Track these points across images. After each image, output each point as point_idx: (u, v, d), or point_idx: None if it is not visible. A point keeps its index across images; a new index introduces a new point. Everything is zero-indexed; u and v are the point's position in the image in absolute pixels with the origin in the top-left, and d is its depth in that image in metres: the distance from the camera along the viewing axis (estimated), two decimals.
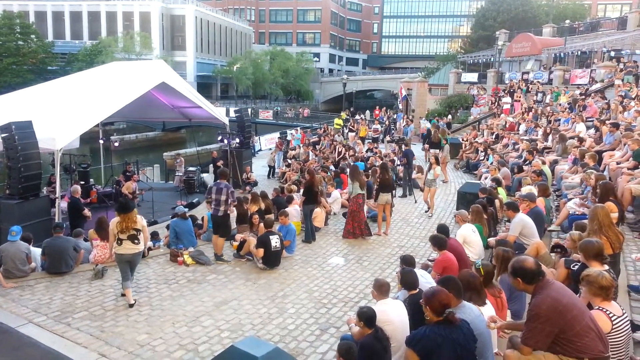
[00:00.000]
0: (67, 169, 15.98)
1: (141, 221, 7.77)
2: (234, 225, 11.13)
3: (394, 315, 5.32)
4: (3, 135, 9.77)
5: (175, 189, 19.10)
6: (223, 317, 7.28)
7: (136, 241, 7.60)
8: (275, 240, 9.31)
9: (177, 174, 20.25)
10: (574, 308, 3.99)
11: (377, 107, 37.03)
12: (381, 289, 5.56)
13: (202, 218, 11.68)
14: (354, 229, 11.44)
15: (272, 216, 11.69)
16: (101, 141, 18.82)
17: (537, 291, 4.14)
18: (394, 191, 12.59)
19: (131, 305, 7.59)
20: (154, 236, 11.11)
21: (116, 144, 20.69)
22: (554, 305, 3.96)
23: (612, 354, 4.38)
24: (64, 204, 12.13)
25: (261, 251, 9.29)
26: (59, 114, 11.49)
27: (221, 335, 6.72)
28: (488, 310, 5.09)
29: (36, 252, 9.10)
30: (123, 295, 7.84)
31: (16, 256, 8.41)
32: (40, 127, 10.20)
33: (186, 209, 11.49)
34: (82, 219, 11.99)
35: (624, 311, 4.62)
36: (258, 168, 22.02)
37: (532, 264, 4.23)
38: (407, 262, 6.48)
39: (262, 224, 9.84)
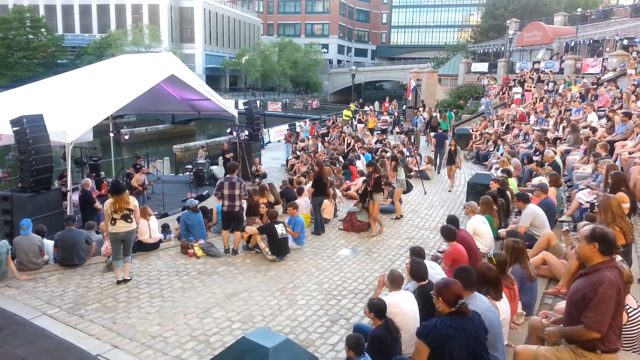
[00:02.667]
0: (78, 162, 16.09)
1: (133, 202, 8.23)
2: (243, 217, 11.19)
3: (405, 307, 5.33)
4: (15, 128, 9.84)
5: (185, 182, 19.14)
6: (234, 309, 7.33)
7: (129, 220, 8.13)
8: (280, 228, 9.38)
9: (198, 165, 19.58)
10: (622, 301, 3.89)
11: (387, 99, 36.32)
12: (394, 282, 5.56)
13: (212, 210, 11.72)
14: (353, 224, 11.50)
15: (280, 207, 11.73)
16: (111, 134, 18.91)
17: (601, 268, 3.89)
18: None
19: (119, 282, 8.13)
20: (165, 228, 11.17)
21: (126, 137, 20.76)
22: (617, 291, 3.78)
23: (627, 346, 4.37)
24: (75, 197, 12.23)
25: (258, 237, 9.43)
26: (70, 107, 11.54)
27: (232, 327, 6.77)
28: (504, 304, 5.05)
29: (49, 244, 9.20)
30: (121, 281, 8.19)
31: (29, 249, 8.51)
32: (51, 120, 10.25)
33: (197, 202, 11.54)
34: (94, 212, 12.09)
35: (638, 303, 4.58)
36: (267, 160, 22.04)
37: (614, 236, 4.00)
38: (417, 253, 6.47)
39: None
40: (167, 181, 18.33)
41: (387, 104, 33.54)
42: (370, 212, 11.17)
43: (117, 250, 8.20)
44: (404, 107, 37.47)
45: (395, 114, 31.67)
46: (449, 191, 15.35)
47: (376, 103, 43.17)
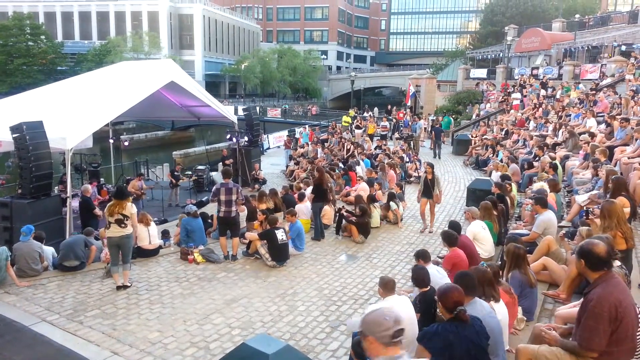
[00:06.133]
0: (78, 168, 16.10)
1: (130, 209, 8.20)
2: (243, 223, 11.18)
3: (401, 312, 5.31)
4: (14, 135, 9.84)
5: (185, 188, 19.14)
6: (234, 315, 7.31)
7: (123, 225, 8.09)
8: (280, 234, 9.39)
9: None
10: (629, 313, 3.82)
11: (402, 110, 34.38)
12: (387, 286, 5.57)
13: (212, 216, 11.71)
14: None
15: (280, 213, 11.73)
16: (111, 140, 18.93)
17: (598, 282, 3.87)
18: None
19: (118, 288, 8.12)
20: (165, 234, 11.15)
21: (126, 143, 20.81)
22: (616, 305, 3.74)
23: None
24: (75, 203, 12.22)
25: (258, 243, 9.46)
26: (69, 113, 11.54)
27: (232, 333, 6.75)
28: (501, 308, 5.04)
29: (48, 251, 9.19)
30: (120, 287, 8.18)
31: (29, 255, 8.50)
32: (50, 127, 10.25)
33: (195, 207, 11.54)
34: (94, 218, 12.08)
35: (638, 308, 4.57)
36: (267, 166, 22.04)
37: (603, 251, 3.93)
38: (422, 256, 6.46)
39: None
40: (166, 187, 18.31)
41: (401, 114, 31.82)
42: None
43: (114, 255, 8.24)
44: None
45: (395, 119, 31.64)
46: (430, 232, 11.68)
47: (375, 109, 43.14)
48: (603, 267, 3.91)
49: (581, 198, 9.43)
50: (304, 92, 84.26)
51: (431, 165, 11.90)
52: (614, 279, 3.92)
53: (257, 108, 45.24)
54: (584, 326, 3.85)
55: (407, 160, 18.91)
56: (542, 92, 27.46)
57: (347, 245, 10.86)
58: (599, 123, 15.90)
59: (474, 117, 30.79)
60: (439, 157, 22.57)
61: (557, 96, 24.94)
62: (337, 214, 11.73)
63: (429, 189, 11.52)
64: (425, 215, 11.83)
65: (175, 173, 17.82)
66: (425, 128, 26.87)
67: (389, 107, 36.99)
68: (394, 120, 31.27)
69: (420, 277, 5.73)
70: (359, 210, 11.33)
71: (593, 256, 3.92)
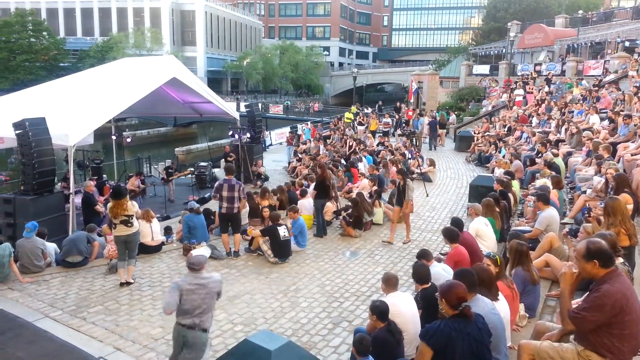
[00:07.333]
0: (81, 165, 16.12)
1: (132, 208, 8.29)
2: (245, 220, 11.19)
3: (403, 308, 5.33)
4: (17, 132, 9.86)
5: (187, 184, 19.15)
6: (236, 311, 7.33)
7: (129, 224, 8.17)
8: (282, 230, 9.41)
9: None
10: (634, 311, 3.84)
11: (411, 109, 32.90)
12: (389, 283, 5.57)
13: (215, 213, 11.71)
14: None
15: (283, 210, 11.74)
16: (113, 137, 18.90)
17: (605, 279, 3.89)
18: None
19: (122, 284, 8.16)
20: (167, 231, 11.17)
21: (128, 140, 20.79)
22: (621, 302, 3.78)
23: None
24: (78, 200, 12.24)
25: (260, 239, 9.49)
26: (72, 110, 11.56)
27: (234, 329, 6.77)
28: (502, 305, 5.04)
29: (51, 247, 9.22)
30: (124, 283, 8.24)
31: (32, 252, 8.53)
32: (53, 123, 10.27)
33: (198, 205, 11.54)
34: (96, 214, 12.10)
35: None
36: (269, 162, 22.04)
37: (607, 245, 3.99)
38: (424, 257, 6.44)
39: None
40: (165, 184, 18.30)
41: (410, 112, 31.00)
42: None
43: (121, 251, 8.29)
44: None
45: (397, 116, 31.52)
46: (404, 242, 10.74)
47: (379, 103, 43.00)
48: (613, 260, 3.95)
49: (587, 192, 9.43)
50: (306, 89, 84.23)
51: (402, 173, 10.89)
52: (620, 276, 3.94)
53: (259, 104, 45.16)
54: (582, 308, 3.95)
55: (410, 156, 18.88)
56: (546, 88, 27.38)
57: (349, 242, 10.86)
58: (602, 119, 15.84)
59: (489, 108, 30.61)
60: (435, 149, 23.80)
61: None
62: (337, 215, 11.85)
63: (400, 196, 10.66)
64: (395, 225, 10.94)
65: (170, 170, 17.80)
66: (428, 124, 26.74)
67: (398, 104, 36.47)
68: (397, 116, 31.11)
69: (420, 274, 5.73)
70: (350, 203, 11.42)
71: (605, 253, 3.93)
